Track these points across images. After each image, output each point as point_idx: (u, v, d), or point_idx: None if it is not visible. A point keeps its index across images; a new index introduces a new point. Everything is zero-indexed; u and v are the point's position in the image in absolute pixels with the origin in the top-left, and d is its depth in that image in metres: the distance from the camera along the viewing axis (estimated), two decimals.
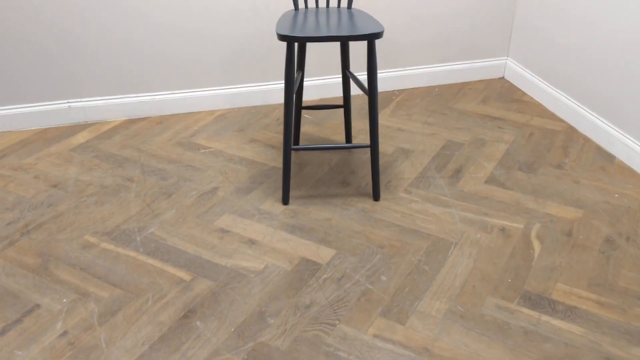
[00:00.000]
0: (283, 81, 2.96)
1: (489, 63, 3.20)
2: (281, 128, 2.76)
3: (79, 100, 2.73)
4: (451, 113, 2.89)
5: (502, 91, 3.12)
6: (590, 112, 2.64)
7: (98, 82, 2.70)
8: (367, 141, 2.64)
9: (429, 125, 2.78)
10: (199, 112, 2.90)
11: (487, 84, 3.21)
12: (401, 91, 3.13)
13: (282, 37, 1.96)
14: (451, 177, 2.38)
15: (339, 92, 3.05)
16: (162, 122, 2.81)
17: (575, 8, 2.65)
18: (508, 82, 3.22)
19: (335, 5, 2.80)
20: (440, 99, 3.04)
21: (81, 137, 2.66)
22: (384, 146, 2.60)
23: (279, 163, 2.47)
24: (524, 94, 3.08)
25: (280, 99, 2.99)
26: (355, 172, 2.40)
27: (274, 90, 2.95)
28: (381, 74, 3.07)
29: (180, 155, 2.52)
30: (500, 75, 3.26)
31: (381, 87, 3.11)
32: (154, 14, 2.63)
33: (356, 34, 1.96)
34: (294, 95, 2.31)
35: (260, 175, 2.38)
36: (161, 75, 2.76)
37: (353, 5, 2.81)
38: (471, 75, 3.20)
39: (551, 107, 2.90)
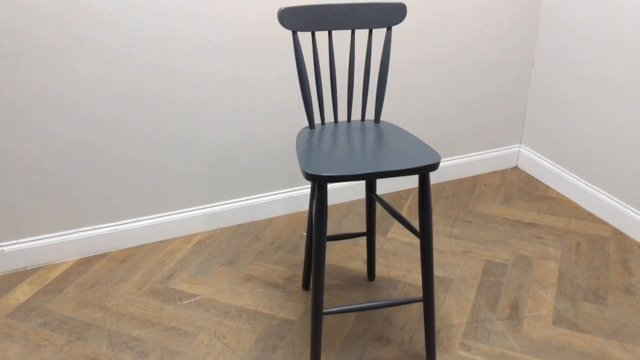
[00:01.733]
0: (271, 193, 2.43)
1: (501, 152, 2.80)
2: (280, 256, 2.21)
3: (16, 242, 2.09)
4: (475, 219, 2.44)
5: (522, 185, 2.71)
6: (632, 209, 2.26)
7: (41, 215, 2.08)
8: (394, 272, 2.13)
9: (457, 239, 2.31)
10: (173, 240, 2.31)
11: (502, 176, 2.80)
12: (409, 191, 2.66)
13: (313, 178, 1.45)
14: (510, 317, 1.90)
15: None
16: (126, 258, 2.21)
17: (600, 83, 2.29)
18: (524, 172, 2.82)
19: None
20: (457, 200, 2.59)
21: (21, 293, 2.01)
22: (412, 274, 2.10)
23: (290, 313, 1.92)
24: (547, 187, 2.68)
25: (269, 213, 2.45)
26: (390, 321, 1.89)
27: (262, 204, 2.41)
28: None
29: (158, 312, 1.92)
30: (513, 164, 2.86)
31: (386, 188, 2.63)
32: (113, 118, 2.06)
33: (406, 167, 1.48)
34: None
35: (271, 336, 1.82)
36: (123, 198, 2.18)
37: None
38: (482, 167, 2.79)
39: (585, 204, 2.50)
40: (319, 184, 1.48)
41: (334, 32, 2.19)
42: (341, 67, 2.28)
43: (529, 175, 2.79)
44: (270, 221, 2.45)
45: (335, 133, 1.71)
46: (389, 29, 1.73)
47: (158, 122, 2.11)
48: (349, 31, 2.20)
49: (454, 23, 2.42)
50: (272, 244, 2.29)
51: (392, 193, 2.66)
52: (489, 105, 2.66)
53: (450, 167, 2.71)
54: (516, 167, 2.87)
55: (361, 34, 2.24)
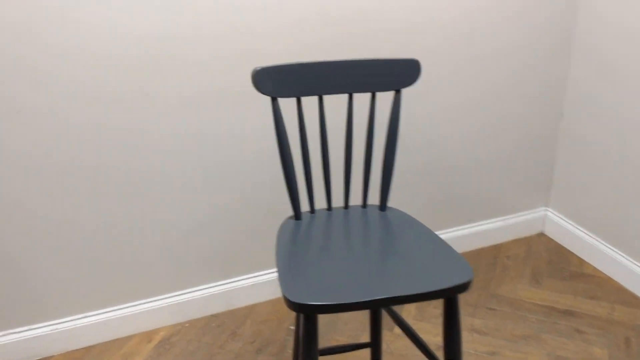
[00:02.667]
0: (251, 275, 2.01)
1: (524, 217, 2.39)
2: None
3: None
4: (500, 306, 2.02)
5: (551, 257, 2.29)
6: None
7: None
8: None
9: (480, 334, 1.88)
10: (130, 338, 1.88)
11: (527, 245, 2.38)
12: None
13: (298, 307, 1.03)
14: None
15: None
16: None
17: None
18: (552, 240, 2.41)
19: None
20: (477, 278, 2.17)
21: None
22: None
23: None
24: (582, 261, 2.26)
25: (250, 299, 2.02)
26: None
27: (241, 289, 1.99)
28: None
29: None
30: (538, 229, 2.45)
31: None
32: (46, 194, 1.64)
33: (428, 289, 1.07)
34: None
35: None
36: (65, 290, 1.75)
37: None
38: (504, 234, 2.37)
39: (629, 284, 2.08)
40: (306, 315, 1.06)
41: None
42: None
43: (557, 245, 2.38)
44: (251, 309, 2.02)
45: (329, 228, 1.30)
46: (398, 91, 1.33)
47: (106, 192, 1.70)
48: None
49: (470, 70, 2.02)
50: (253, 342, 1.86)
51: None
52: (511, 162, 2.26)
53: (468, 237, 2.30)
54: (542, 234, 2.45)
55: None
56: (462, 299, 2.06)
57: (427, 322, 1.95)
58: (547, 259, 2.28)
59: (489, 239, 2.35)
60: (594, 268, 2.22)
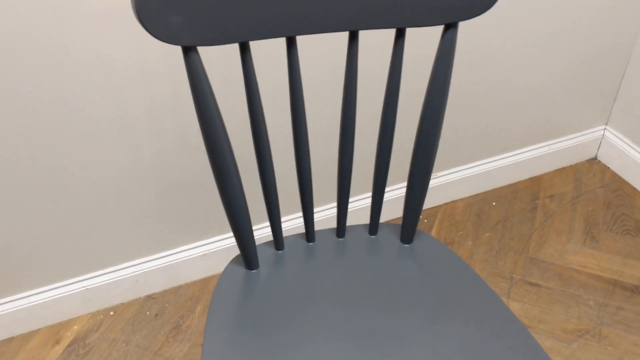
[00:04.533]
0: (200, 243, 1.43)
1: (574, 140, 1.77)
2: None
3: None
4: (545, 279, 1.48)
5: (609, 197, 1.71)
6: None
7: None
8: None
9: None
10: (30, 337, 1.34)
11: (576, 178, 1.78)
12: (432, 213, 1.67)
13: None
14: None
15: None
16: None
17: None
18: (608, 169, 1.81)
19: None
20: (510, 233, 1.60)
21: None
22: None
23: None
24: None
25: (199, 273, 1.46)
26: None
27: (187, 261, 1.42)
28: (392, 191, 1.58)
29: None
30: (591, 155, 1.84)
31: (392, 212, 1.63)
32: None
33: None
34: None
35: None
36: None
37: None
38: (546, 163, 1.77)
39: None
40: None
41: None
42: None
43: (616, 176, 1.78)
44: (202, 288, 1.46)
45: (311, 294, 0.69)
46: (452, 26, 0.66)
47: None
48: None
49: None
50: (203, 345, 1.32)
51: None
52: (572, 76, 1.59)
53: (498, 170, 1.70)
54: (595, 160, 1.85)
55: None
56: (491, 263, 1.50)
57: None
58: (604, 199, 1.70)
59: (526, 170, 1.75)
60: None
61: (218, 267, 1.47)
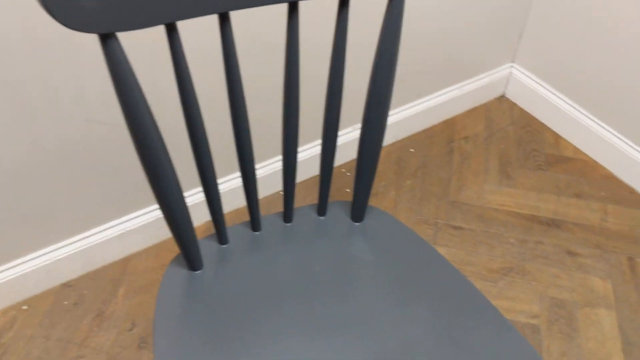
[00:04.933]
0: (115, 222, 1.33)
1: (483, 81, 1.79)
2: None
3: None
4: (467, 221, 1.51)
5: (520, 134, 1.76)
6: None
7: None
8: None
9: None
10: None
11: (487, 117, 1.82)
12: (353, 166, 1.64)
13: None
14: None
15: None
16: None
17: None
18: (516, 105, 1.86)
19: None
20: (430, 178, 1.62)
21: None
22: None
23: None
24: (557, 136, 1.75)
25: (119, 253, 1.37)
26: None
27: (104, 243, 1.32)
28: (307, 149, 1.54)
29: None
30: (499, 92, 1.88)
31: (308, 170, 1.60)
32: None
33: None
34: None
35: None
36: None
37: None
38: (458, 105, 1.79)
39: (619, 170, 1.63)
40: None
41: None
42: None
43: (524, 113, 1.83)
44: (122, 269, 1.37)
45: (264, 290, 0.64)
46: None
47: None
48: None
49: None
50: (131, 330, 1.25)
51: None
52: (478, 16, 1.59)
53: (414, 116, 1.69)
54: (504, 98, 1.88)
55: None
56: (416, 211, 1.52)
57: None
58: (515, 136, 1.75)
59: (440, 113, 1.76)
60: (575, 148, 1.72)
61: (137, 244, 1.38)
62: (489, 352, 0.59)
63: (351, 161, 1.65)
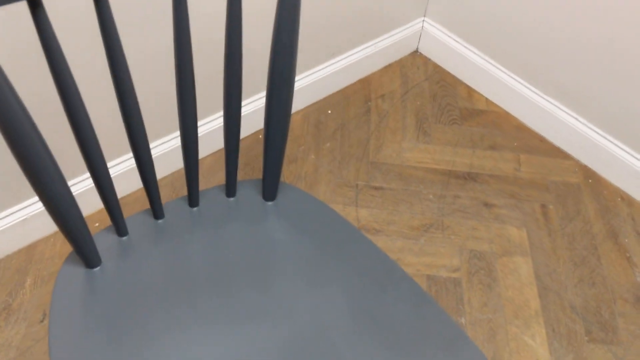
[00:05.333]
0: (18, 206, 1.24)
1: (396, 37, 1.77)
2: None
3: None
4: (388, 181, 1.51)
5: (434, 90, 1.76)
6: (602, 134, 1.48)
7: None
8: None
9: (370, 232, 1.39)
10: None
11: (402, 74, 1.81)
12: None
13: None
14: None
15: None
16: None
17: None
18: (429, 61, 1.85)
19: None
20: (349, 140, 1.60)
21: None
22: None
23: None
24: (470, 89, 1.77)
25: (22, 240, 1.28)
26: None
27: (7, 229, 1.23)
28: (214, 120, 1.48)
29: None
30: (412, 48, 1.87)
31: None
32: None
33: None
34: None
35: None
36: None
37: None
38: (373, 63, 1.76)
39: (528, 119, 1.67)
40: None
41: None
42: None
43: (438, 67, 1.83)
44: (28, 256, 1.29)
45: (171, 283, 0.60)
46: None
47: None
48: None
49: None
50: (42, 321, 1.18)
51: (246, 138, 1.57)
52: None
53: (329, 77, 1.66)
54: (417, 53, 1.88)
55: None
56: (337, 174, 1.50)
57: None
58: (430, 92, 1.75)
59: (356, 72, 1.74)
60: (487, 100, 1.75)
61: (43, 230, 1.29)
62: (408, 328, 0.58)
63: None
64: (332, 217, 0.68)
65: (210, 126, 1.45)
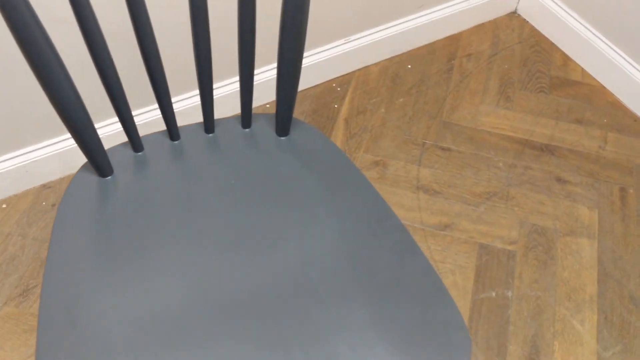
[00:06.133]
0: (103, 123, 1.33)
1: None
2: None
3: None
4: (457, 143, 1.46)
5: (526, 53, 1.66)
6: None
7: None
8: None
9: (428, 193, 1.36)
10: None
11: (494, 35, 1.72)
12: (345, 81, 1.59)
13: None
14: None
15: None
16: None
17: None
18: (527, 24, 1.75)
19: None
20: (425, 96, 1.56)
21: None
22: None
23: None
24: (567, 58, 1.66)
25: None
26: None
27: None
28: (307, 58, 1.49)
29: None
30: (510, 9, 1.76)
31: (306, 80, 1.55)
32: None
33: None
34: None
35: None
36: None
37: None
38: (465, 20, 1.69)
39: (627, 98, 1.53)
40: None
41: None
42: None
43: (535, 31, 1.72)
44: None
45: (179, 198, 0.62)
46: None
47: None
48: None
49: None
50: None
51: (317, 86, 1.57)
52: None
53: (414, 30, 1.61)
54: (515, 14, 1.77)
55: None
56: (404, 130, 1.47)
57: None
58: (522, 56, 1.66)
59: (444, 28, 1.67)
60: (583, 71, 1.63)
61: None
62: (389, 275, 0.57)
63: (344, 75, 1.60)
64: (339, 159, 0.68)
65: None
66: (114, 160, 0.68)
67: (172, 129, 0.70)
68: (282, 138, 0.70)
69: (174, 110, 0.74)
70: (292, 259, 0.58)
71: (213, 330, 0.54)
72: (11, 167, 1.27)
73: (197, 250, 0.59)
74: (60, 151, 1.30)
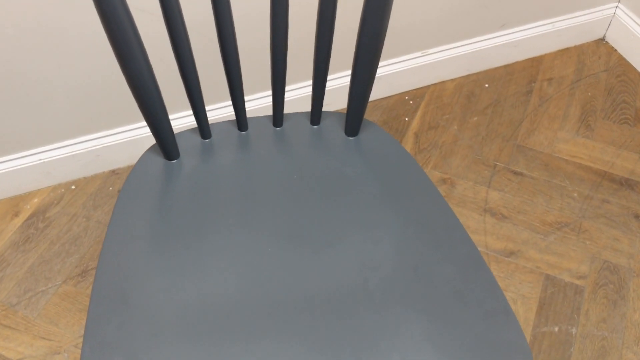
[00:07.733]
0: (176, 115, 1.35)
1: (582, 18, 1.61)
2: None
3: None
4: (529, 167, 1.40)
5: (612, 82, 1.59)
6: None
7: None
8: None
9: (495, 217, 1.31)
10: None
11: (579, 60, 1.65)
12: (418, 94, 1.56)
13: None
14: None
15: None
16: None
17: None
18: (615, 51, 1.67)
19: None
20: (500, 118, 1.51)
21: None
22: None
23: None
24: None
25: None
26: None
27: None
28: (382, 68, 1.47)
29: None
30: (599, 35, 1.69)
31: (379, 91, 1.53)
32: None
33: None
34: None
35: None
36: None
37: None
38: (549, 43, 1.63)
39: None
40: None
41: None
42: None
43: (622, 60, 1.64)
44: None
45: (241, 187, 0.61)
46: None
47: None
48: None
49: None
50: None
51: (389, 98, 1.55)
52: None
53: (494, 49, 1.56)
54: (603, 42, 1.70)
55: None
56: (476, 150, 1.42)
57: None
58: (607, 85, 1.58)
59: (526, 49, 1.62)
60: None
61: None
62: (450, 289, 0.53)
63: (417, 89, 1.56)
64: (409, 165, 0.65)
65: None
66: (181, 144, 0.68)
67: (241, 119, 0.69)
68: (351, 138, 0.68)
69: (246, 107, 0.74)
70: (350, 261, 0.56)
71: (262, 323, 0.52)
72: (83, 150, 1.30)
73: (254, 242, 0.58)
74: (130, 139, 1.33)
